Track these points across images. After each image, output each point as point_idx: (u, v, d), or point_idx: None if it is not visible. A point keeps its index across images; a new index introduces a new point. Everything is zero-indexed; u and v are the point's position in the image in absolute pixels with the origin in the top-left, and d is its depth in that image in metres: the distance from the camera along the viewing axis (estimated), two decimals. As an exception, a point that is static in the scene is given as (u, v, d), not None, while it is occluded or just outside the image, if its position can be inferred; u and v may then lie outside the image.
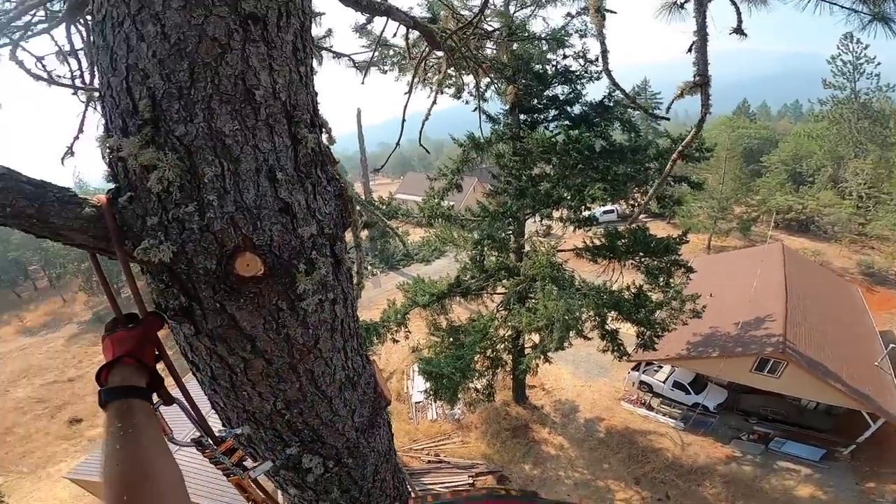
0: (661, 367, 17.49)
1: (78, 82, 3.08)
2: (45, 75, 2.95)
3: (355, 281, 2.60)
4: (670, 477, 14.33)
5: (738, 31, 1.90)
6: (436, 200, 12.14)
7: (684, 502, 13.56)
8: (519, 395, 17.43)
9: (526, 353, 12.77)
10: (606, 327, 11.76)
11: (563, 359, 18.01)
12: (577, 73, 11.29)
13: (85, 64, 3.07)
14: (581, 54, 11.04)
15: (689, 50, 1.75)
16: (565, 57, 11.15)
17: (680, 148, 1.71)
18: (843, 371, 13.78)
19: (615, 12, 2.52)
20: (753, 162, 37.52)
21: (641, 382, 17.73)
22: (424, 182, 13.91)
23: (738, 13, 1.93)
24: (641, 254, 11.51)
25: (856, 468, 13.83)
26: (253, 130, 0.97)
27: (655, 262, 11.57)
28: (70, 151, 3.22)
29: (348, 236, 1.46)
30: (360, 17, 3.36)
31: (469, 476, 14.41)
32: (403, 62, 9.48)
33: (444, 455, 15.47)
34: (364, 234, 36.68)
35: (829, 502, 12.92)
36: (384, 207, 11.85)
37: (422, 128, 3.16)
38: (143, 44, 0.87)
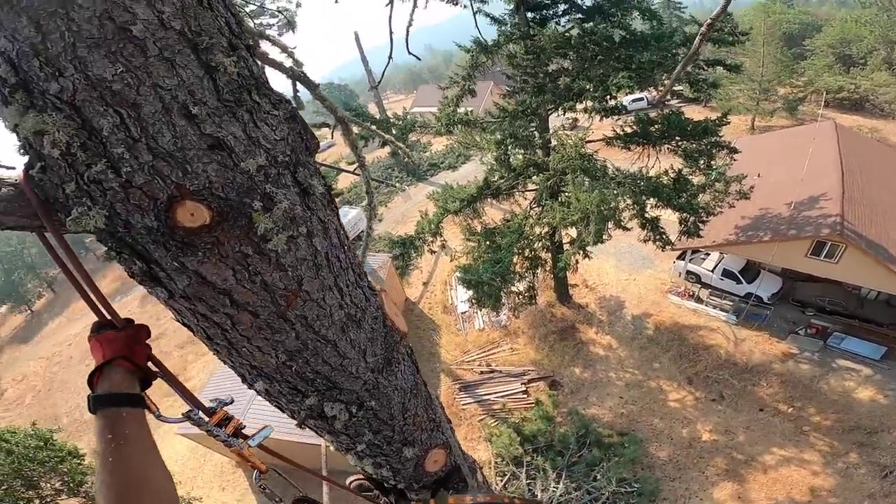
0: (708, 254, 16.58)
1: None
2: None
3: (367, 202, 2.47)
4: (724, 376, 13.75)
5: None
6: (451, 108, 11.91)
7: (740, 403, 13.05)
8: (562, 295, 17.56)
9: (564, 249, 12.74)
10: (646, 215, 11.47)
11: (604, 252, 17.25)
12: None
13: None
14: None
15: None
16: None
17: (708, 22, 1.49)
18: (907, 254, 12.42)
19: None
20: (795, 46, 35.23)
21: (689, 273, 16.88)
22: (438, 93, 13.57)
23: None
24: (678, 137, 10.91)
25: (919, 369, 12.68)
26: (145, 70, 0.83)
27: (694, 145, 10.94)
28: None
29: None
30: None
31: (521, 383, 14.79)
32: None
33: (495, 364, 15.83)
34: (385, 150, 36.09)
35: (890, 407, 12.08)
36: (400, 123, 11.53)
37: (407, 32, 2.84)
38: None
